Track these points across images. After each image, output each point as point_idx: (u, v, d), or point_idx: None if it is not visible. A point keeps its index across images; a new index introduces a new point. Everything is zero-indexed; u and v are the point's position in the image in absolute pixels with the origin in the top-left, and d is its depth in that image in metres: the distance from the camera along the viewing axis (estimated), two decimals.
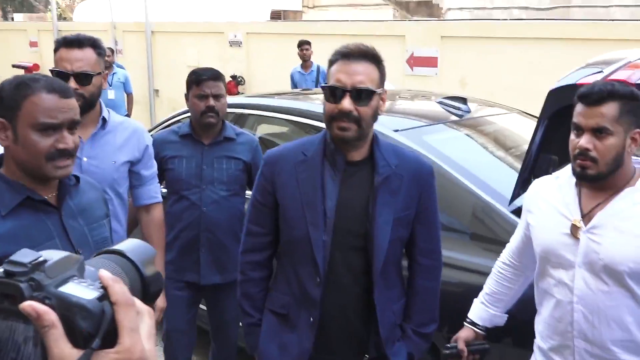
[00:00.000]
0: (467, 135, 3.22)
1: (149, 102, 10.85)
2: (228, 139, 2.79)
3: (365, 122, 1.74)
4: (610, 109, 1.61)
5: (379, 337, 1.85)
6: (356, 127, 1.73)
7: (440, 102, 3.45)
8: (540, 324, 1.86)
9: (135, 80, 8.39)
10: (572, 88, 2.31)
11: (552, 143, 2.50)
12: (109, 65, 6.99)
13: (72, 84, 2.12)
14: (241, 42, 9.32)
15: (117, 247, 0.71)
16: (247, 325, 1.98)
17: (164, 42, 10.50)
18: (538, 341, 1.89)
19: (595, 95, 1.62)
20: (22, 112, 1.50)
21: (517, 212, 2.50)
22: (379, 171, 1.80)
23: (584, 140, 1.64)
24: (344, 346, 1.89)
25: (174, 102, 9.57)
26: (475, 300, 2.12)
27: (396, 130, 2.92)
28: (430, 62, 6.94)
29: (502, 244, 2.40)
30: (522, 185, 2.53)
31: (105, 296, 0.60)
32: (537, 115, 2.57)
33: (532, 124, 3.29)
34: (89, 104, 2.22)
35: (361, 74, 1.72)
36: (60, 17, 18.75)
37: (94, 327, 0.59)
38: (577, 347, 1.72)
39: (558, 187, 1.79)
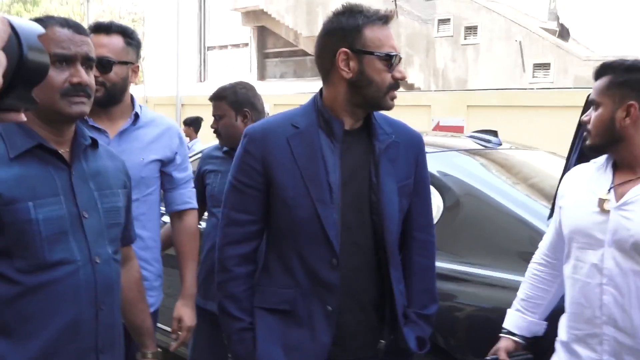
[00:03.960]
0: (497, 163, 3.14)
1: None
2: None
3: None
4: (601, 82, 1.68)
5: (394, 319, 1.69)
6: None
7: (471, 136, 3.40)
8: (564, 316, 1.73)
9: None
10: None
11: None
12: None
13: (94, 71, 2.04)
14: (268, 113, 9.51)
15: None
16: (237, 331, 1.70)
17: (193, 113, 10.77)
18: (560, 335, 1.74)
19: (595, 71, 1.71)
20: None
21: None
22: (380, 139, 1.68)
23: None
24: (359, 335, 1.69)
25: None
26: (508, 309, 1.94)
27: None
28: (456, 131, 6.96)
29: None
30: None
31: None
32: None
33: (559, 160, 3.22)
34: (111, 95, 2.06)
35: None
36: None
37: None
38: (606, 335, 1.58)
39: (594, 170, 1.74)
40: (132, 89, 2.22)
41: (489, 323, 2.18)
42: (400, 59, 1.64)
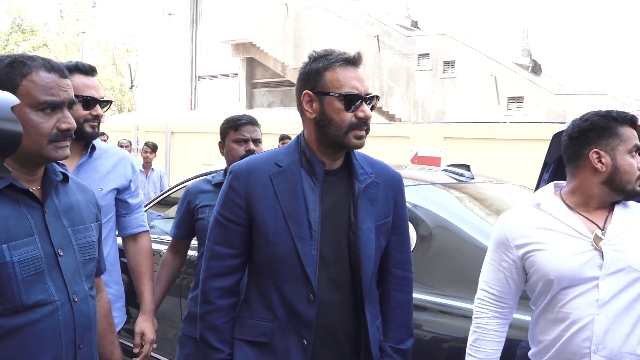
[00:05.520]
0: (469, 196, 3.22)
1: None
2: None
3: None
4: None
5: (369, 354, 1.75)
6: (365, 134, 1.70)
7: (445, 170, 3.52)
8: (544, 352, 1.76)
9: None
10: None
11: None
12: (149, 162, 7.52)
13: (99, 110, 2.21)
14: None
15: None
16: None
17: (182, 141, 10.96)
18: None
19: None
20: (20, 92, 1.37)
21: None
22: (360, 179, 1.74)
23: None
24: None
25: None
26: None
27: None
28: (434, 161, 7.25)
29: None
30: None
31: None
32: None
33: (529, 193, 3.27)
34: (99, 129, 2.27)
35: (366, 80, 1.72)
36: None
37: None
38: None
39: (548, 215, 1.76)
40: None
41: (461, 354, 2.06)
42: (364, 99, 1.67)
